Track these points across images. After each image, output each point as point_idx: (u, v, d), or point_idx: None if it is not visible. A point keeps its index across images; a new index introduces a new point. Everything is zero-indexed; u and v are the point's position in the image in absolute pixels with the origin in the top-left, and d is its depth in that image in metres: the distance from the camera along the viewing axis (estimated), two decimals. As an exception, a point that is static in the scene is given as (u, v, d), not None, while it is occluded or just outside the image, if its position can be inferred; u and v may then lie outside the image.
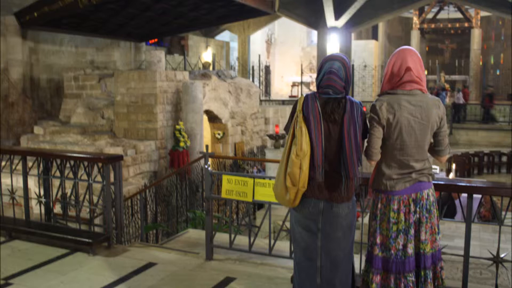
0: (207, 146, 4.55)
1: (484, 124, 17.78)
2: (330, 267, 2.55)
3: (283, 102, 18.77)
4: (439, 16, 27.25)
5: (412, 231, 2.58)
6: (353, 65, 17.35)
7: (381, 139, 2.59)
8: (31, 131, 10.42)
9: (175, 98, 10.08)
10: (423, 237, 2.59)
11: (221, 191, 3.94)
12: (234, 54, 22.47)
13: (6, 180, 4.89)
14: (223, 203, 8.29)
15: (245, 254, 4.06)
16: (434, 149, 2.68)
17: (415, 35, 26.93)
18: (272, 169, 9.57)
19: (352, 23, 17.36)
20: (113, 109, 10.07)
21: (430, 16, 27.16)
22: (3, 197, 4.91)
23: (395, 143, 2.57)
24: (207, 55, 18.70)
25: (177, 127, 9.75)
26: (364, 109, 2.60)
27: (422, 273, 2.60)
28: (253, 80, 18.88)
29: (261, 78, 21.51)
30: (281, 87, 26.06)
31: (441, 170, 11.72)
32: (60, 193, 4.72)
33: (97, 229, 4.67)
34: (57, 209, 4.95)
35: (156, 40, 16.50)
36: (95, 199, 4.57)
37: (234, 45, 22.47)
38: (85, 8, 9.81)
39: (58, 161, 4.62)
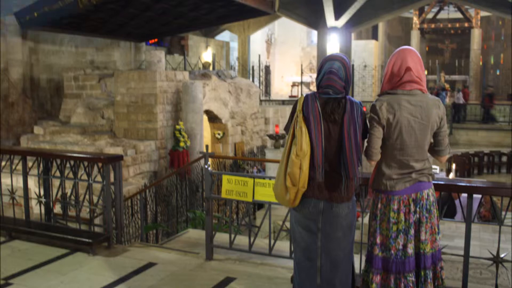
0: (207, 146, 4.54)
1: (484, 124, 17.78)
2: (330, 267, 2.55)
3: (283, 102, 18.76)
4: (439, 16, 27.23)
5: (412, 231, 2.58)
6: (353, 65, 17.35)
7: (381, 139, 2.59)
8: (31, 131, 10.42)
9: (175, 98, 10.08)
10: (423, 237, 2.59)
11: (221, 191, 3.94)
12: (234, 54, 22.46)
13: (6, 180, 4.89)
14: (223, 203, 8.28)
15: (245, 254, 4.06)
16: (434, 149, 2.68)
17: (415, 35, 26.91)
18: (272, 169, 9.56)
19: (352, 23, 17.36)
20: (113, 109, 10.07)
21: (430, 16, 27.14)
22: (3, 197, 4.91)
23: (395, 143, 2.57)
24: (207, 55, 18.69)
25: (177, 127, 9.75)
26: (364, 109, 2.60)
27: (422, 273, 2.60)
28: (253, 80, 18.86)
29: (261, 78, 21.49)
30: (281, 87, 26.06)
31: (441, 170, 11.71)
32: (60, 193, 4.72)
33: (97, 229, 4.67)
34: (57, 209, 4.95)
35: (156, 40, 16.48)
36: (95, 199, 4.57)
37: (234, 45, 22.46)
38: (85, 8, 9.79)
39: (58, 161, 4.62)
